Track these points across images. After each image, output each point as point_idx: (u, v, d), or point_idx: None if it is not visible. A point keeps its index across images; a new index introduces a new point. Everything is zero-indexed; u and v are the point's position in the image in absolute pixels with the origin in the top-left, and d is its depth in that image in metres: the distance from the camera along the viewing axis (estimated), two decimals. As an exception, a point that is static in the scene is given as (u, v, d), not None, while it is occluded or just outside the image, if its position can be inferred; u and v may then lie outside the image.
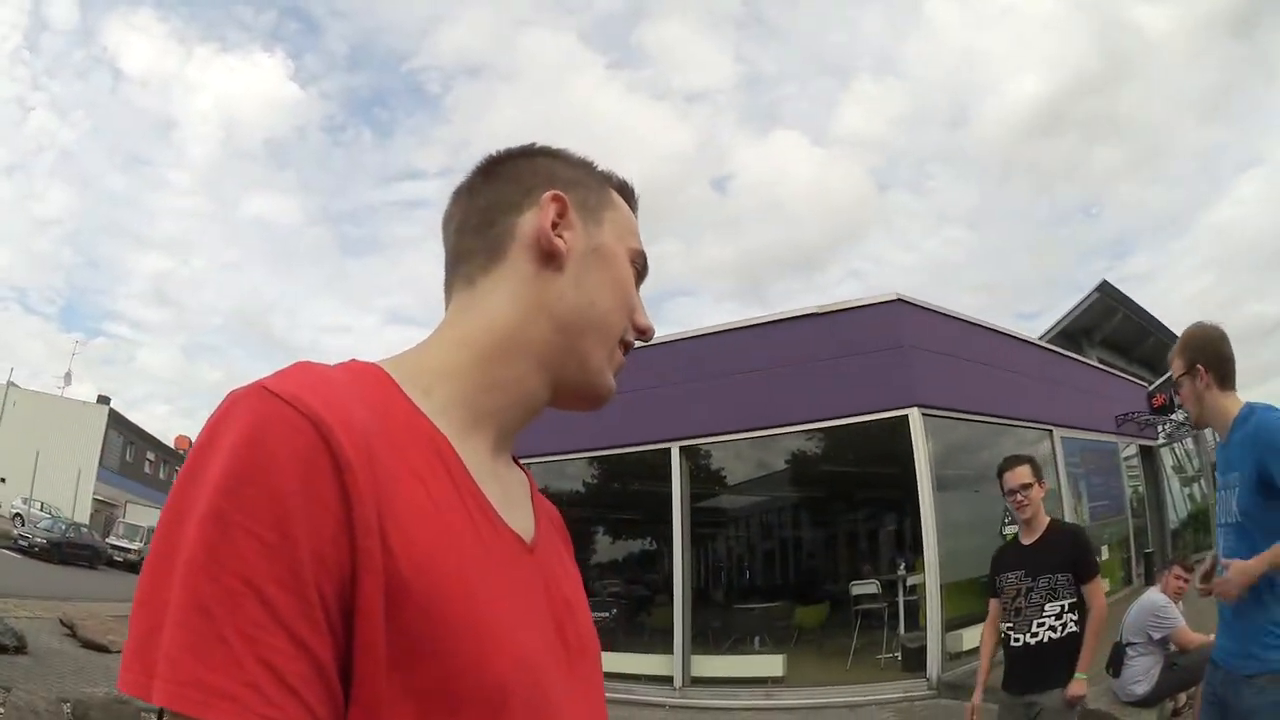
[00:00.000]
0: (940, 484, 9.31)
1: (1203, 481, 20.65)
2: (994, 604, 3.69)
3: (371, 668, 0.56)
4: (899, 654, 9.38)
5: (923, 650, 8.69)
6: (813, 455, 11.83)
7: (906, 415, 9.17)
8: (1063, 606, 3.45)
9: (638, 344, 0.85)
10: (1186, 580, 5.43)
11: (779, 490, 15.01)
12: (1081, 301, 20.14)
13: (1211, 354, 2.61)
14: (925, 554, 8.90)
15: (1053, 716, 3.36)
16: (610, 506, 13.90)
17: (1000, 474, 3.69)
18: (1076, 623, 3.44)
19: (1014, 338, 12.90)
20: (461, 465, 0.68)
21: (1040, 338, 16.02)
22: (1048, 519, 3.65)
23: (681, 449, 10.28)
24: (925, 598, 8.91)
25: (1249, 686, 2.37)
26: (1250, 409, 2.55)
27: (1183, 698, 5.57)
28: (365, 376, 0.67)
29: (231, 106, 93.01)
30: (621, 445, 10.57)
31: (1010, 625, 3.54)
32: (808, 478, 13.85)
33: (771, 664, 9.62)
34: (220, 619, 0.51)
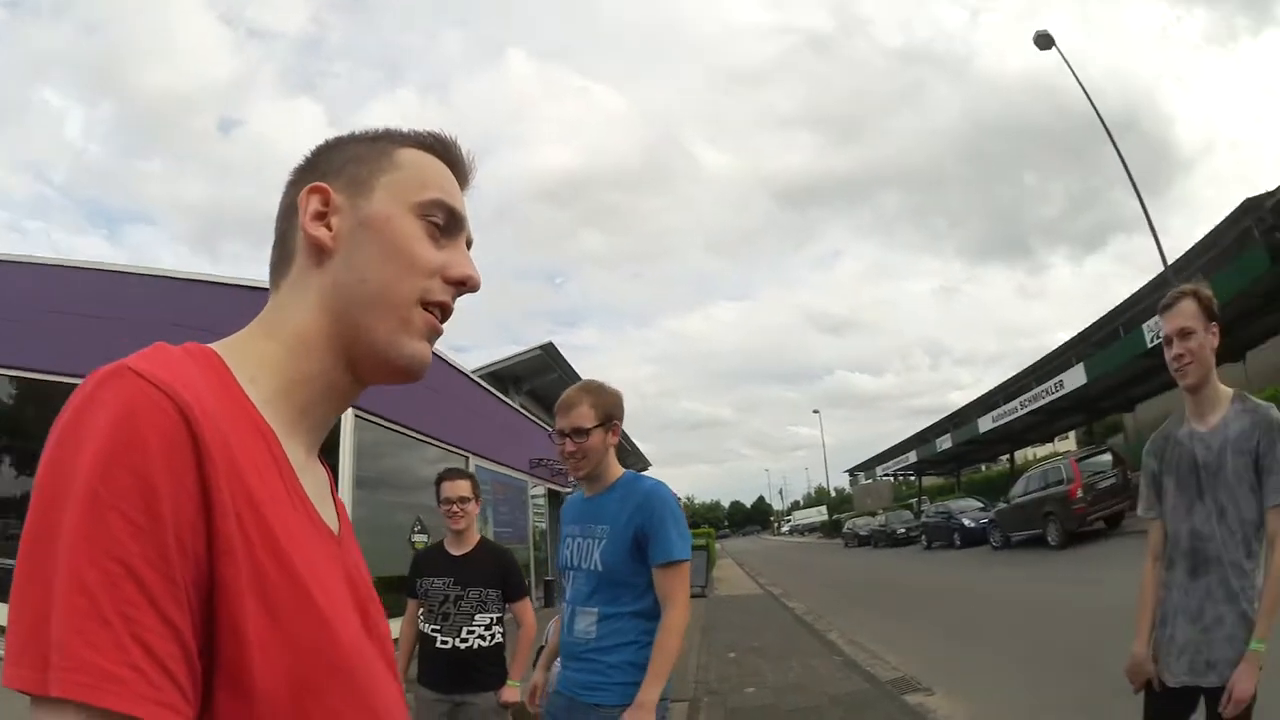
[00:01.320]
0: (360, 482, 10.07)
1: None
2: (413, 604, 3.78)
3: (237, 649, 0.58)
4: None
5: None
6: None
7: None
8: (492, 619, 3.68)
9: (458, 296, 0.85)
10: None
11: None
12: (523, 353, 22.24)
13: (622, 414, 2.64)
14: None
15: (485, 715, 3.58)
16: None
17: (439, 482, 3.77)
18: (502, 634, 3.71)
19: (448, 363, 14.07)
20: (286, 459, 0.70)
21: (474, 372, 17.49)
22: (478, 536, 3.82)
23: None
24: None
25: (595, 715, 2.43)
26: (637, 475, 2.66)
27: None
28: (203, 361, 0.68)
29: None
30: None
31: (437, 628, 3.62)
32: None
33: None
34: (101, 601, 0.53)
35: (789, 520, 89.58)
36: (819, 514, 74.70)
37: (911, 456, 45.59)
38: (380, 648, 0.75)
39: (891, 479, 57.01)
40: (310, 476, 0.75)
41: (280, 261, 0.81)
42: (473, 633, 3.61)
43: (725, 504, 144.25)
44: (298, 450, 0.74)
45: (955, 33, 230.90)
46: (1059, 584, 12.12)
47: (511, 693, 3.63)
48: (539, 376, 23.39)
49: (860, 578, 20.44)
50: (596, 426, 2.55)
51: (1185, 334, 2.34)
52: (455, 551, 3.75)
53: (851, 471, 65.70)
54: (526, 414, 20.46)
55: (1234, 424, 2.33)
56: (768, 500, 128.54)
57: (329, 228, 0.79)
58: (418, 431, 12.18)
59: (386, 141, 0.85)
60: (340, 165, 0.82)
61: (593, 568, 2.54)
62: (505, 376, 21.75)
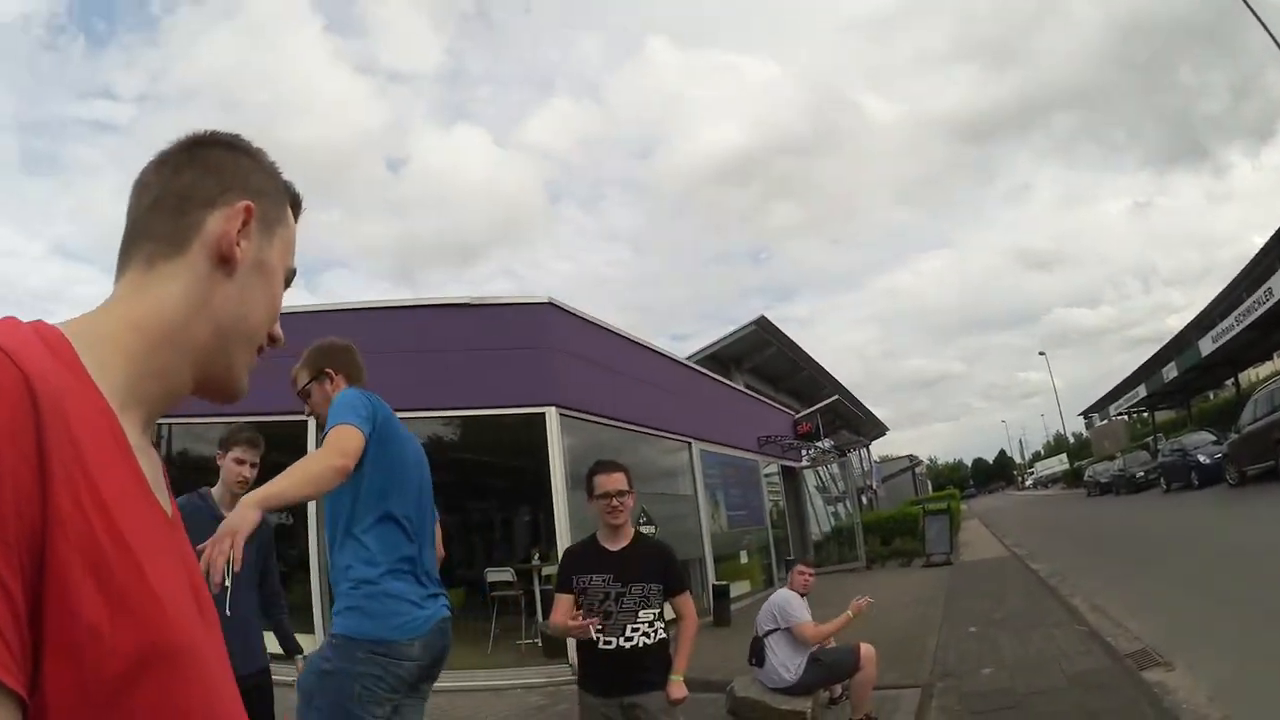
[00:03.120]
0: (574, 481, 9.63)
1: (848, 502, 23.04)
2: (564, 599, 3.59)
3: (66, 619, 0.57)
4: (539, 640, 9.63)
5: (564, 637, 8.98)
6: (450, 442, 11.94)
7: (545, 413, 9.55)
8: (655, 614, 3.53)
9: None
10: (811, 575, 6.03)
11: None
12: (736, 331, 21.42)
13: (343, 360, 2.92)
14: (559, 546, 9.20)
15: (657, 716, 3.42)
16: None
17: (593, 475, 3.66)
18: (664, 630, 3.56)
19: (659, 353, 13.73)
20: (127, 442, 0.70)
21: (690, 358, 17.14)
22: (633, 530, 3.69)
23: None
24: (561, 588, 9.21)
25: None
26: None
27: (838, 689, 6.04)
28: (51, 340, 0.69)
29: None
30: (257, 413, 10.09)
31: (599, 628, 3.46)
32: (443, 463, 13.72)
33: (408, 646, 9.49)
34: None
35: (1031, 473, 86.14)
36: (1060, 463, 72.16)
37: (1141, 391, 44.62)
38: (213, 635, 0.76)
39: (1125, 418, 55.65)
40: (146, 460, 0.74)
41: (168, 238, 0.82)
42: (637, 630, 3.48)
43: (968, 462, 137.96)
44: (135, 434, 0.73)
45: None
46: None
47: (679, 688, 3.48)
48: (758, 353, 22.79)
49: (1102, 532, 19.01)
50: (311, 381, 2.90)
51: None
52: (612, 547, 3.60)
53: (1085, 414, 64.45)
54: (750, 393, 19.82)
55: None
56: (1009, 453, 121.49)
57: (239, 247, 0.84)
58: (631, 423, 11.72)
59: (281, 190, 0.93)
60: (259, 190, 0.88)
61: None
62: (724, 358, 21.30)
